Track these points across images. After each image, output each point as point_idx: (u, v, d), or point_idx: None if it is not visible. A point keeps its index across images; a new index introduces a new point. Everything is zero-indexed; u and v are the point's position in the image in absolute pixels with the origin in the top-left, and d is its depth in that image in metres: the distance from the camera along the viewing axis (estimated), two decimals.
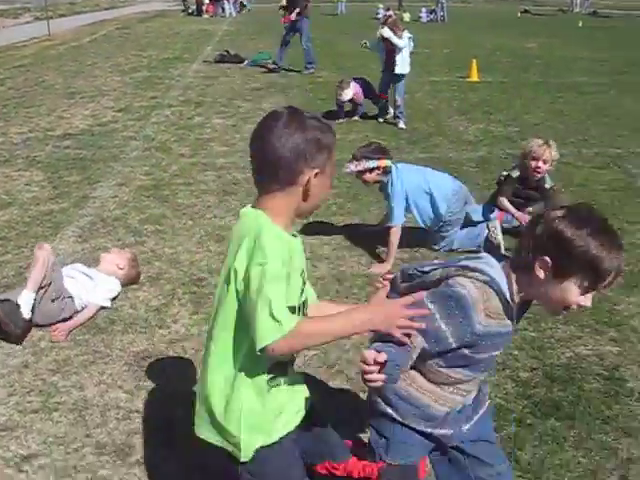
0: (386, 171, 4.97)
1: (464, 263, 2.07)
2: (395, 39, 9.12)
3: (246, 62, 15.12)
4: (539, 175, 5.48)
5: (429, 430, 2.19)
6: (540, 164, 5.39)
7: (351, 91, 9.45)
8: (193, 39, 21.77)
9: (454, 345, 2.01)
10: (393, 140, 8.41)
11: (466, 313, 1.96)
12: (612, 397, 3.48)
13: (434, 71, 13.96)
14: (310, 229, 5.33)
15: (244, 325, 1.86)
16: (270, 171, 1.89)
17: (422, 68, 14.09)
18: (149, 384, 3.54)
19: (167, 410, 3.28)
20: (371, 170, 4.95)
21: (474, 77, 13.19)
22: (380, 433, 2.25)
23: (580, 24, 29.59)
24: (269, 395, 1.99)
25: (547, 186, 5.57)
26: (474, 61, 13.35)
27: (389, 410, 2.20)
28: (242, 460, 1.97)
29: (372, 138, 7.60)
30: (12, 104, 10.86)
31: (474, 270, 2.01)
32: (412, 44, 9.56)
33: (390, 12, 31.46)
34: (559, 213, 1.94)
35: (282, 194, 1.91)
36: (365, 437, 2.64)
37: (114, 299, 4.34)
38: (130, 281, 4.51)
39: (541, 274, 1.94)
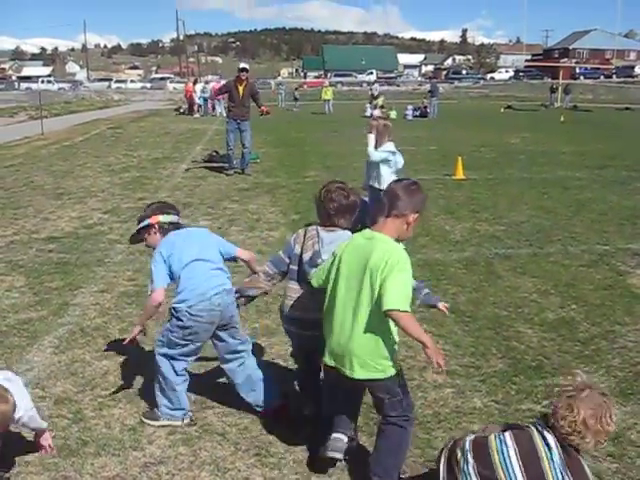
0: (163, 229, 4.20)
1: None
2: (370, 148, 7.78)
3: (231, 168, 14.33)
4: None
5: None
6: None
7: None
8: (183, 138, 22.20)
9: None
10: None
11: None
12: None
13: (420, 169, 14.07)
14: None
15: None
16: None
17: (408, 166, 14.10)
18: None
19: None
20: (147, 230, 4.21)
21: (460, 174, 13.33)
22: None
23: (562, 119, 30.41)
24: None
25: None
26: (459, 159, 13.53)
27: None
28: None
29: None
30: None
31: None
32: (399, 160, 7.86)
33: (377, 112, 32.25)
34: None
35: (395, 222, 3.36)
36: None
37: None
38: None
39: None
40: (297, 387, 4.48)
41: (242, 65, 13.99)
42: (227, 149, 14.25)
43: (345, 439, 3.54)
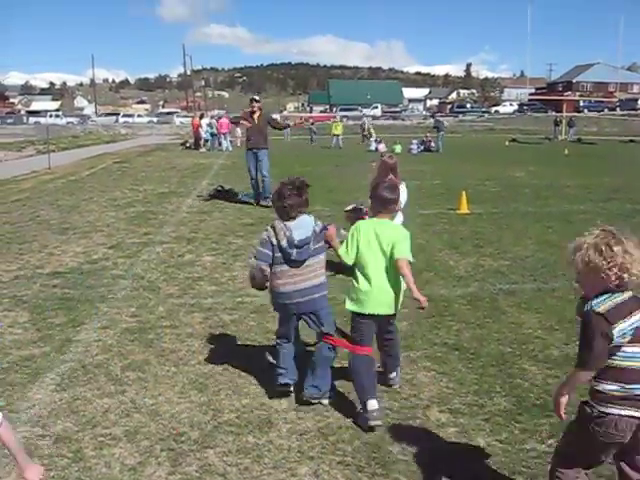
0: None
1: None
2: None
3: (256, 197, 14.85)
4: None
5: None
6: None
7: None
8: (189, 173, 22.33)
9: None
10: None
11: None
12: None
13: (424, 204, 14.03)
14: None
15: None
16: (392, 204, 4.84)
17: (412, 200, 14.21)
18: None
19: None
20: None
21: (464, 209, 13.31)
22: None
23: (566, 152, 30.50)
24: None
25: None
26: (464, 193, 13.52)
27: None
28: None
29: None
30: (5, 240, 10.91)
31: None
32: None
33: (382, 146, 32.29)
34: None
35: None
36: None
37: None
38: None
39: None
40: (272, 360, 5.31)
41: (252, 97, 15.29)
42: (250, 180, 14.88)
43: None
